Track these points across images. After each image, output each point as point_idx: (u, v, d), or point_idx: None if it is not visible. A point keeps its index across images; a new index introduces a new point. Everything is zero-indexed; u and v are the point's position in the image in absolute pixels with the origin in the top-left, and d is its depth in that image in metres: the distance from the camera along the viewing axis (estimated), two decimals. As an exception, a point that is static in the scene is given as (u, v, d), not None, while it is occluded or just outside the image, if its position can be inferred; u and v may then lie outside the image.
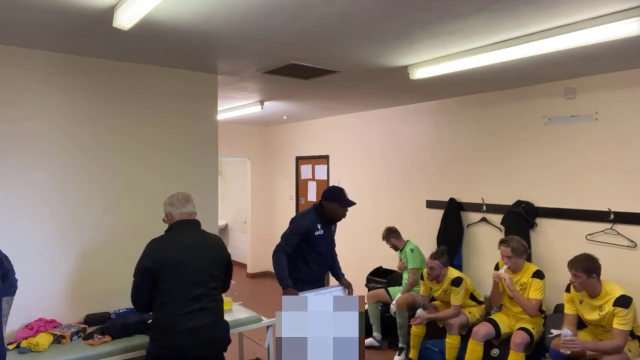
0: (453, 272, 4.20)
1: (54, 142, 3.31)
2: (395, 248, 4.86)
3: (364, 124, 6.19)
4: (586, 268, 3.12)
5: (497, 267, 3.93)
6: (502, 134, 4.57)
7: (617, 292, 3.12)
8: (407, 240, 4.86)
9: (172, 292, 2.55)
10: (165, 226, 2.78)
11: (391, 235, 4.86)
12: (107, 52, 3.36)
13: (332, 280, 3.98)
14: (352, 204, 3.50)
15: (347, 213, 3.56)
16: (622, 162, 3.72)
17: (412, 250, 4.66)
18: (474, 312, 4.15)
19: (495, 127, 4.63)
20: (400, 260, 4.84)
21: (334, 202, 3.47)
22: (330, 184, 6.73)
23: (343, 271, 3.81)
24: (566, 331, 3.16)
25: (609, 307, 3.11)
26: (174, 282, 2.55)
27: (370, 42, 3.01)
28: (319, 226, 3.50)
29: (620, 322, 3.06)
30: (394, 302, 4.55)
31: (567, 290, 3.39)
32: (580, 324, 3.40)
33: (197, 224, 2.78)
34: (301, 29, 2.75)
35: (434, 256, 4.14)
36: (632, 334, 3.18)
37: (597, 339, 3.29)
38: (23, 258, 3.06)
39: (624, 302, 3.08)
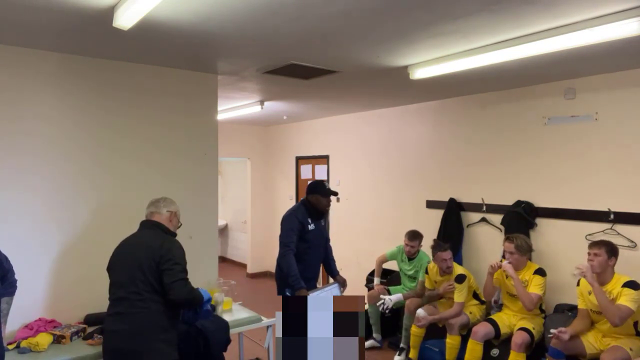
0: (457, 269, 4.22)
1: (53, 142, 3.31)
2: (411, 254, 4.67)
3: (364, 124, 6.19)
4: (610, 249, 3.22)
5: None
6: (502, 134, 4.57)
7: (627, 279, 3.17)
8: (422, 250, 4.70)
9: (109, 291, 2.58)
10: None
11: (419, 240, 4.66)
12: (107, 52, 3.36)
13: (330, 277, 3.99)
14: (333, 193, 3.73)
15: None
16: (622, 162, 3.72)
17: (429, 262, 4.61)
18: (475, 312, 4.15)
19: (495, 127, 4.63)
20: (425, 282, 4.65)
21: (317, 194, 3.68)
22: (331, 184, 6.73)
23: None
24: (553, 330, 3.26)
25: (617, 291, 3.15)
26: (111, 281, 2.59)
27: (370, 42, 3.01)
28: (309, 220, 3.64)
29: (626, 299, 3.07)
30: (389, 297, 4.52)
31: (578, 284, 3.42)
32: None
33: (150, 224, 2.67)
34: (301, 29, 2.75)
35: (443, 248, 4.18)
36: (636, 330, 3.19)
37: (601, 335, 3.30)
38: (23, 258, 3.06)
39: (633, 284, 3.12)
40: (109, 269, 2.64)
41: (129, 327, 2.42)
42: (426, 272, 4.42)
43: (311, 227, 3.64)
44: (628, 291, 3.09)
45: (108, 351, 2.52)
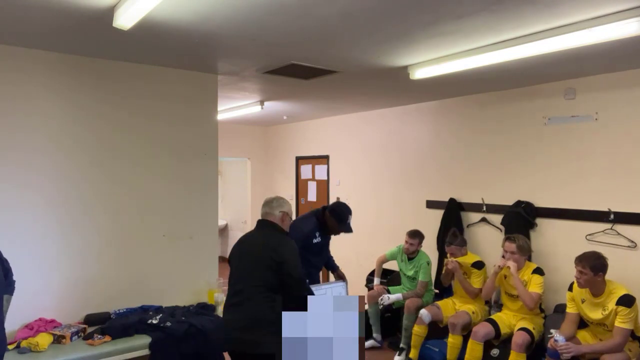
0: (474, 256, 4.34)
1: (53, 142, 3.31)
2: (410, 253, 4.66)
3: (364, 124, 6.19)
4: (593, 266, 3.13)
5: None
6: (502, 134, 4.57)
7: (621, 292, 3.13)
8: (421, 250, 4.69)
9: (228, 283, 2.71)
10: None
11: (420, 240, 4.66)
12: (107, 52, 3.36)
13: (332, 276, 3.99)
14: (348, 231, 3.54)
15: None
16: (622, 162, 3.72)
17: (428, 264, 4.61)
18: (477, 312, 4.15)
19: (495, 127, 4.63)
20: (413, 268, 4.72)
21: (335, 220, 3.50)
22: (330, 184, 6.74)
23: (344, 271, 3.84)
24: (559, 337, 3.17)
25: (612, 306, 3.12)
26: (230, 274, 2.71)
27: (370, 42, 3.01)
28: (317, 234, 3.51)
29: (622, 321, 3.06)
30: (388, 296, 4.53)
31: (570, 289, 3.40)
32: (582, 323, 3.41)
33: (267, 223, 2.75)
34: (301, 29, 2.75)
35: (449, 242, 4.30)
36: (632, 335, 3.18)
37: (598, 339, 3.30)
38: (23, 258, 3.07)
39: (626, 301, 3.08)
40: (229, 262, 2.76)
41: (246, 318, 2.54)
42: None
43: (317, 240, 3.53)
44: (623, 311, 3.07)
45: (226, 340, 2.64)
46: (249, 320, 2.53)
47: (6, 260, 2.61)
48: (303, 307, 2.53)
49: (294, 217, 3.27)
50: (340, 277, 3.78)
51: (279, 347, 2.47)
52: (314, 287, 3.34)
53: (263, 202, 2.85)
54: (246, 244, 2.74)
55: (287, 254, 2.58)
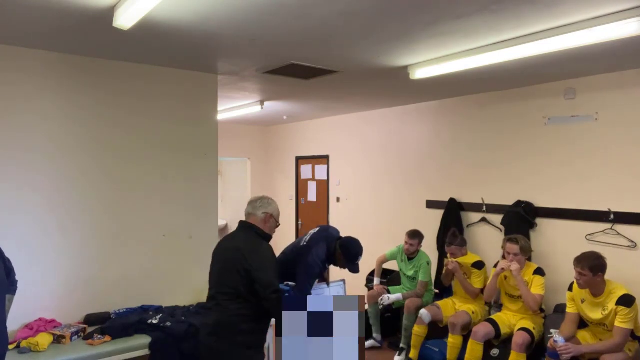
0: (474, 256, 4.33)
1: (53, 142, 3.31)
2: (410, 253, 4.64)
3: (364, 124, 6.19)
4: (592, 267, 3.13)
5: (496, 266, 3.92)
6: (502, 134, 4.57)
7: (621, 292, 3.13)
8: (421, 250, 4.69)
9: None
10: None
11: (419, 240, 4.65)
12: (107, 52, 3.36)
13: (333, 276, 3.99)
14: (355, 271, 3.37)
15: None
16: (622, 162, 3.72)
17: (428, 264, 4.60)
18: (477, 312, 4.15)
19: (495, 127, 4.63)
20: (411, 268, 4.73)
21: (344, 257, 3.30)
22: (330, 184, 6.73)
23: (344, 271, 3.83)
24: (558, 337, 3.16)
25: (612, 306, 3.12)
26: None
27: (370, 42, 3.01)
28: (325, 265, 3.32)
29: (622, 320, 3.06)
30: (388, 296, 4.53)
31: (570, 289, 3.40)
32: (582, 323, 3.41)
33: (245, 225, 2.61)
34: (301, 29, 2.75)
35: (449, 242, 4.30)
36: (632, 335, 3.18)
37: (597, 339, 3.29)
38: (23, 258, 3.06)
39: (626, 301, 3.08)
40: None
41: (212, 324, 2.45)
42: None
43: (319, 269, 3.28)
44: (623, 311, 3.07)
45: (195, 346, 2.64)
46: (215, 328, 2.44)
47: (8, 260, 2.61)
48: (275, 316, 2.38)
49: (282, 217, 3.11)
50: (326, 281, 3.68)
51: (246, 358, 2.39)
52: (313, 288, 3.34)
53: (248, 201, 2.71)
54: (222, 247, 2.63)
55: (256, 260, 2.40)
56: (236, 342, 2.39)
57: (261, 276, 2.36)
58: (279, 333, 2.27)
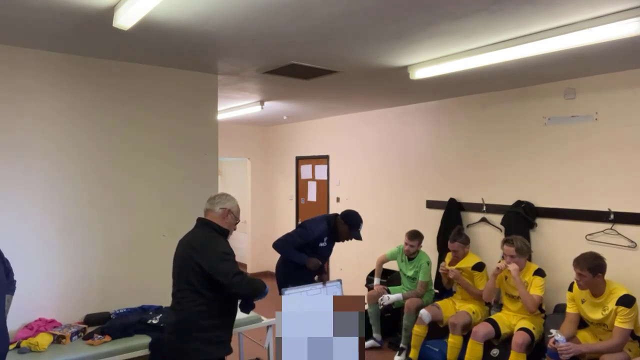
0: (474, 257, 4.32)
1: (53, 142, 3.31)
2: (410, 253, 4.64)
3: (364, 124, 6.19)
4: (592, 267, 3.13)
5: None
6: (502, 134, 4.57)
7: (621, 292, 3.13)
8: (421, 250, 4.69)
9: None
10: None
11: (419, 241, 4.65)
12: (107, 52, 3.36)
13: (333, 276, 3.98)
14: (358, 237, 3.73)
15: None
16: (622, 162, 3.72)
17: (428, 264, 4.60)
18: (478, 312, 4.15)
19: (495, 127, 4.63)
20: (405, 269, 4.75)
21: (346, 226, 3.68)
22: (330, 184, 6.74)
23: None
24: (560, 337, 3.16)
25: (612, 306, 3.12)
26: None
27: (370, 42, 3.01)
28: (325, 238, 3.66)
29: (622, 321, 3.06)
30: (388, 296, 4.53)
31: (570, 289, 3.40)
32: (582, 323, 3.41)
33: (201, 222, 2.63)
34: (301, 29, 2.75)
35: (453, 238, 4.29)
36: (632, 335, 3.18)
37: (597, 339, 3.30)
38: (23, 258, 3.07)
39: (626, 301, 3.08)
40: None
41: (174, 323, 2.49)
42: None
43: (323, 244, 3.70)
44: (623, 311, 3.07)
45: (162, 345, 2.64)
46: (176, 326, 2.47)
47: (7, 261, 2.62)
48: (246, 296, 2.52)
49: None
50: (322, 280, 3.75)
51: (207, 355, 2.43)
52: (308, 287, 3.34)
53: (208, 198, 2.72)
54: (180, 245, 2.62)
55: (209, 255, 2.41)
56: (196, 338, 2.42)
57: (217, 267, 2.39)
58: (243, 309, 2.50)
